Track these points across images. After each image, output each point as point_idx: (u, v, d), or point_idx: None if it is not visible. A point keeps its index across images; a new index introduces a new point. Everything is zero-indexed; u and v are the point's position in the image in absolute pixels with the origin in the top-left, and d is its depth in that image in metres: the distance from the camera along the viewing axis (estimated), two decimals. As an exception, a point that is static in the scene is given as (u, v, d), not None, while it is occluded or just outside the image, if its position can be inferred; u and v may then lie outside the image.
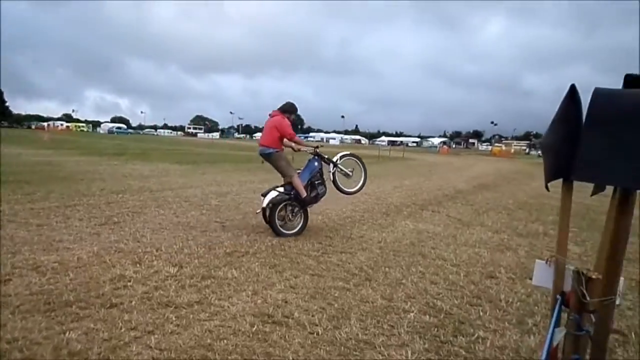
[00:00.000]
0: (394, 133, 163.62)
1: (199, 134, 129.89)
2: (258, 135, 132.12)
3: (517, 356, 3.88)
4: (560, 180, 1.78)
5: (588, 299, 1.65)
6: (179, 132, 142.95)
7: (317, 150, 8.14)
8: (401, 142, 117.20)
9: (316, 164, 8.08)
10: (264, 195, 7.71)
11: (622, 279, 1.77)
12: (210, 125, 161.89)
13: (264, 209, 7.75)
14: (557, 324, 1.80)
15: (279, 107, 8.08)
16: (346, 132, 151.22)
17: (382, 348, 3.89)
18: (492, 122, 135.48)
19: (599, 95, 1.52)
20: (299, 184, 7.74)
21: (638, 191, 1.56)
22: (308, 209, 8.07)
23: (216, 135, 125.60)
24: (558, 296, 1.83)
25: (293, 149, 8.06)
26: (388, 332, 4.22)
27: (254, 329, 4.09)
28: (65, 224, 7.77)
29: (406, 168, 29.13)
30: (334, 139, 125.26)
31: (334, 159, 8.32)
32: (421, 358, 3.77)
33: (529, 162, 49.31)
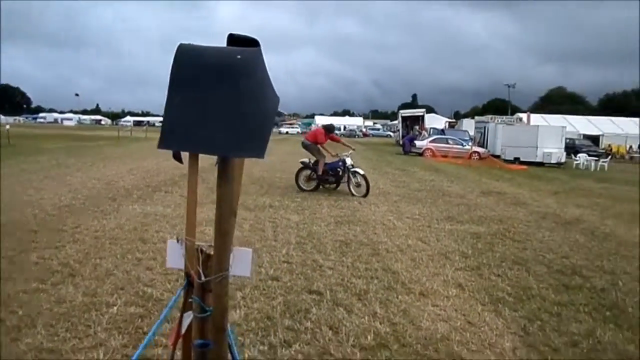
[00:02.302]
0: (141, 113, 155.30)
1: None
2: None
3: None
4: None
5: (203, 277, 1.55)
6: None
7: (348, 154, 12.35)
8: (147, 122, 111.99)
9: (340, 163, 12.08)
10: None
11: (249, 250, 1.73)
12: None
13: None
14: (187, 307, 1.68)
15: (323, 125, 13.56)
16: (85, 112, 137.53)
17: (70, 354, 3.42)
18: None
19: (183, 53, 1.39)
20: (321, 165, 12.00)
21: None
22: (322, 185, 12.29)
23: None
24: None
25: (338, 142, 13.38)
26: (82, 333, 3.75)
27: None
28: None
29: (148, 148, 27.74)
30: (70, 119, 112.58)
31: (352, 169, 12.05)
32: (115, 357, 3.43)
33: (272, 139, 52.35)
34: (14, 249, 5.90)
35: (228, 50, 1.40)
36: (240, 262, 1.73)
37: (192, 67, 1.34)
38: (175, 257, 1.74)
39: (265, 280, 5.15)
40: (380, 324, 4.17)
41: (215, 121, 1.32)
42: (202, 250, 1.59)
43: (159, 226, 7.50)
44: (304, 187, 12.16)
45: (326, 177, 12.14)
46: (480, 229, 8.54)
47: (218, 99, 1.32)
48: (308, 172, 12.30)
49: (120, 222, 7.63)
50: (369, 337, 3.87)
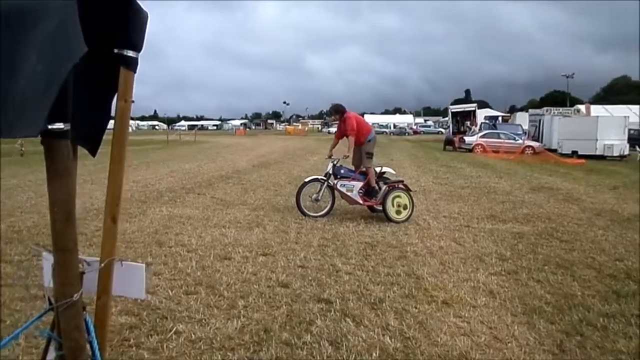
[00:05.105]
0: (195, 117, 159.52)
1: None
2: None
3: (209, 347, 3.50)
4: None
5: (48, 303, 1.17)
6: None
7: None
8: (202, 125, 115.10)
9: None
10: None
11: (141, 265, 1.35)
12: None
13: None
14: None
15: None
16: (143, 118, 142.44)
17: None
18: (284, 102, 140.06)
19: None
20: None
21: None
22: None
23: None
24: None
25: None
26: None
27: None
28: None
29: (194, 151, 28.15)
30: (129, 126, 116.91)
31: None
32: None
33: (317, 139, 52.18)
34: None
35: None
36: (130, 281, 1.36)
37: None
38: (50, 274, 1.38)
39: (273, 287, 4.77)
40: (391, 338, 3.69)
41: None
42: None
43: (181, 228, 7.29)
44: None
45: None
46: (524, 229, 7.83)
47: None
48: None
49: (143, 225, 7.47)
50: (373, 354, 3.41)
